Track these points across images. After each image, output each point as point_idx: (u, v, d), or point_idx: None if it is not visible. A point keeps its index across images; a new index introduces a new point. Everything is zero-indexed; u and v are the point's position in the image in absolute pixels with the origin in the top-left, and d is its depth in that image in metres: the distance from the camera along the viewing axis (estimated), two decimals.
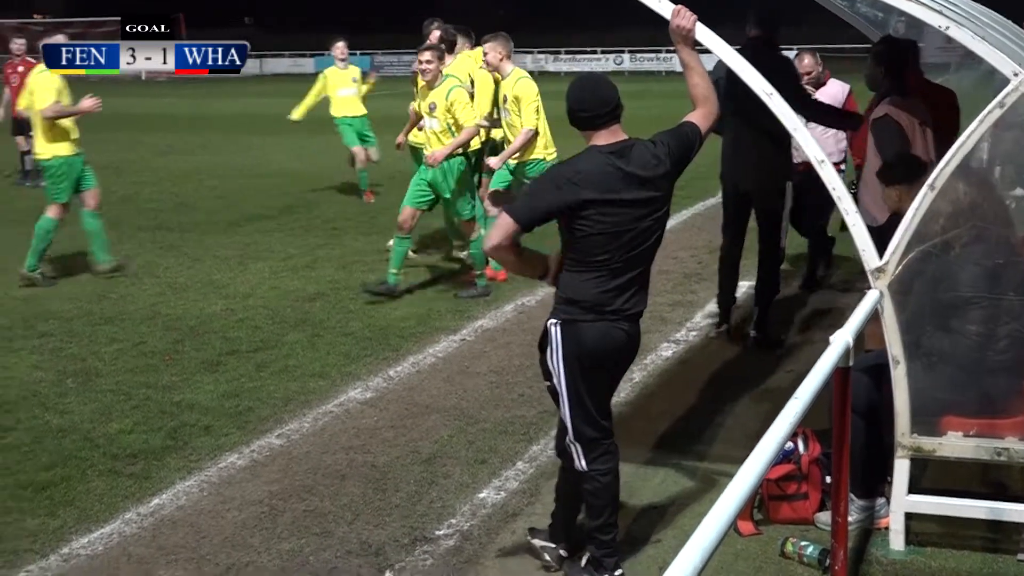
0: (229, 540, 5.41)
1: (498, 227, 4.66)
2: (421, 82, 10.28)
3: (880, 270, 4.85)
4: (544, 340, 4.78)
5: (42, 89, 10.53)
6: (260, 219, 14.44)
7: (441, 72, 9.79)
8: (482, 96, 10.49)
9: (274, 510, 5.74)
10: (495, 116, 10.52)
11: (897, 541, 5.10)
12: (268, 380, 7.83)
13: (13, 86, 17.93)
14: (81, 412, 7.16)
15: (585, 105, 4.67)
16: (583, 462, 4.74)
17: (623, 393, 6.89)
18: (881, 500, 5.35)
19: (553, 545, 5.04)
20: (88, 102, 10.70)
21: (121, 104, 36.02)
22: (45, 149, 10.80)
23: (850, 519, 4.93)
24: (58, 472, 6.19)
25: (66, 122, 10.73)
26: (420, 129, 10.45)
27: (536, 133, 9.97)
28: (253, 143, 24.77)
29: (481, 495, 5.91)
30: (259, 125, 29.44)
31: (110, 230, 13.59)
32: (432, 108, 9.68)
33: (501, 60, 10.05)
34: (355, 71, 16.08)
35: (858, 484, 5.16)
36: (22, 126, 18.04)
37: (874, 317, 4.77)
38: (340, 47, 15.96)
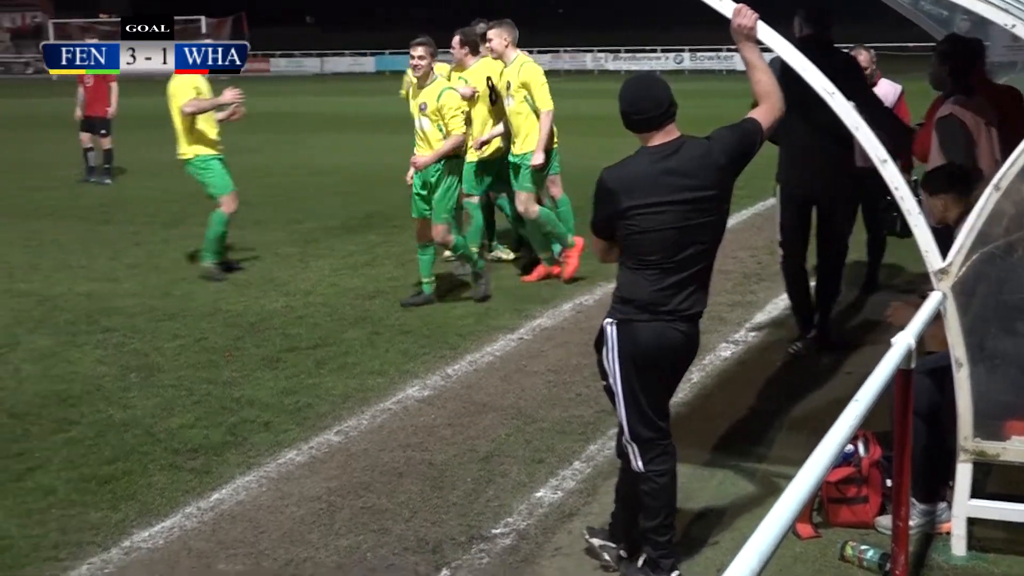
0: (287, 535, 5.45)
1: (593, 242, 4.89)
2: (412, 79, 10.21)
3: (943, 271, 4.78)
4: (600, 340, 4.77)
5: (180, 89, 10.61)
6: (320, 217, 14.53)
7: (433, 70, 9.57)
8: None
9: (332, 506, 5.77)
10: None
11: (959, 547, 5.02)
12: (327, 377, 7.87)
13: (87, 86, 18.21)
14: (143, 407, 7.24)
15: (639, 107, 4.63)
16: (639, 463, 4.71)
17: (681, 393, 6.83)
18: (943, 505, 5.26)
19: (613, 545, 5.01)
20: (229, 93, 10.84)
21: None
22: (187, 149, 10.88)
23: (911, 523, 4.85)
24: (120, 466, 6.26)
25: (205, 123, 10.80)
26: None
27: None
28: (312, 141, 24.90)
29: (538, 494, 5.90)
30: (318, 123, 29.66)
31: (172, 227, 13.81)
32: (423, 108, 9.47)
33: (506, 46, 9.99)
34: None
35: (919, 488, 5.09)
36: (92, 125, 18.33)
37: (937, 319, 4.70)
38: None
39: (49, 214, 15.02)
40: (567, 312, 9.60)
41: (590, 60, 61.60)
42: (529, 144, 10.04)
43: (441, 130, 9.44)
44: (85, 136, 18.55)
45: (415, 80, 9.75)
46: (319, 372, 7.98)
